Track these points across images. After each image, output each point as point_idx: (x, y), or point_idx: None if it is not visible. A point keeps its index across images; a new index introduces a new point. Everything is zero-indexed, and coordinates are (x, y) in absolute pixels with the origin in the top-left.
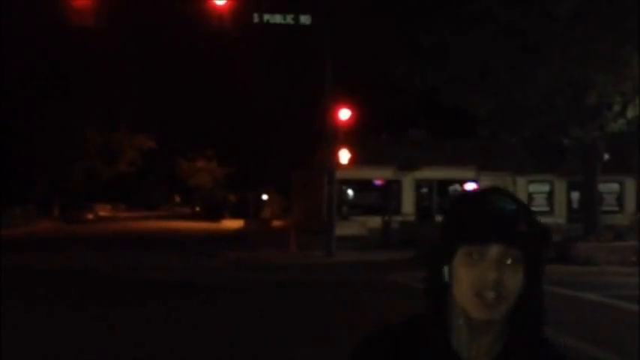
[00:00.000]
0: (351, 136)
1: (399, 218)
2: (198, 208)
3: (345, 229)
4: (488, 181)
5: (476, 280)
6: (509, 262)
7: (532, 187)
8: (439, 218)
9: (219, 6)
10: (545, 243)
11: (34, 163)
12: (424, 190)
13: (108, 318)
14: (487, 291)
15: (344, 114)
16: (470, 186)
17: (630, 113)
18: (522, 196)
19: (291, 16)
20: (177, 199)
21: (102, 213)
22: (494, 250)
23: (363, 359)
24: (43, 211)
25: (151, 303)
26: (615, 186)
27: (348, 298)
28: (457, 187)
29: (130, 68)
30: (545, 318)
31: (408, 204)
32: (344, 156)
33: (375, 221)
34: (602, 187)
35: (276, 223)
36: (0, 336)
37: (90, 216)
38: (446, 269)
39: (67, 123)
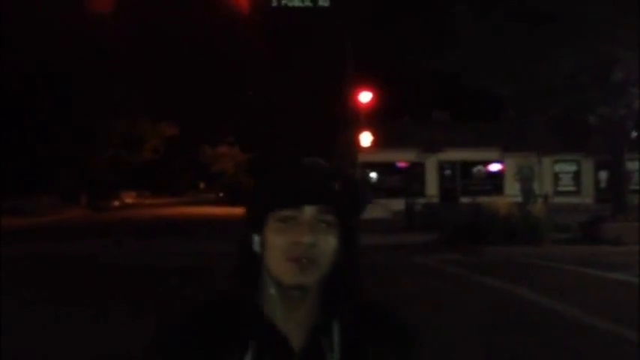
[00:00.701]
0: (373, 119)
1: (422, 200)
2: (222, 194)
3: (369, 212)
4: (512, 161)
5: (289, 245)
6: (322, 226)
7: (558, 167)
8: (464, 200)
9: None
10: (360, 204)
11: (60, 152)
12: (448, 171)
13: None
14: (301, 255)
15: (365, 97)
16: (494, 167)
17: None
18: (548, 176)
19: None
20: (202, 185)
21: (128, 200)
22: (307, 213)
23: (166, 350)
24: (71, 199)
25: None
26: None
27: (373, 281)
28: (481, 168)
29: (149, 56)
30: (362, 283)
31: (432, 186)
32: (366, 139)
33: (399, 204)
34: (630, 165)
35: None
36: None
37: (116, 203)
38: (256, 238)
39: (91, 112)
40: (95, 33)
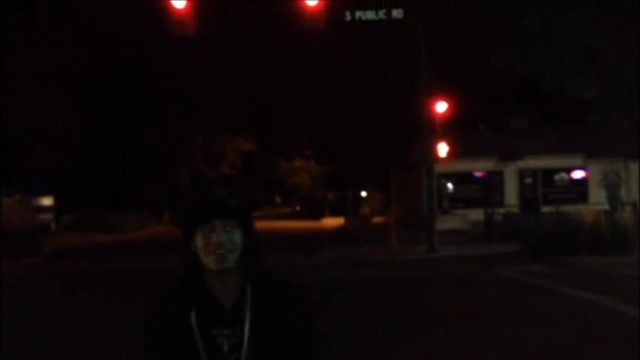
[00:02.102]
0: (449, 128)
1: (502, 210)
2: (298, 207)
3: (447, 223)
4: (597, 167)
5: (209, 245)
6: (228, 228)
7: None
8: (546, 209)
9: (312, 6)
10: (249, 212)
11: (146, 168)
12: (528, 180)
13: None
14: (218, 250)
15: (440, 106)
16: (578, 174)
17: None
18: (636, 183)
19: (383, 11)
20: (278, 199)
21: None
22: (217, 224)
23: (153, 317)
24: (155, 214)
25: None
26: None
27: (455, 293)
28: (564, 175)
29: (226, 72)
30: (262, 263)
31: (512, 195)
32: (442, 149)
33: (477, 214)
34: None
35: (376, 219)
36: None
37: None
38: (192, 243)
39: (174, 129)
40: (178, 51)
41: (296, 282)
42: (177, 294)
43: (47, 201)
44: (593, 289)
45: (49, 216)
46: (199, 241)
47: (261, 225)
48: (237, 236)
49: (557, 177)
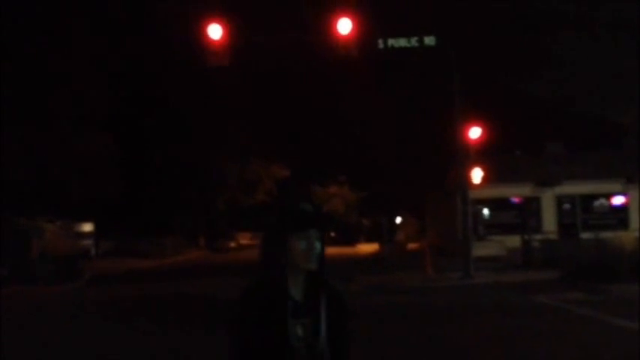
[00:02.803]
0: (484, 154)
1: (539, 236)
2: (333, 234)
3: (483, 249)
4: (637, 193)
5: (304, 248)
6: (316, 236)
7: None
8: (585, 235)
9: (344, 35)
10: (328, 225)
11: (183, 195)
12: (566, 206)
13: None
14: (310, 252)
15: (474, 132)
16: (618, 199)
17: None
18: None
19: (415, 38)
20: None
21: (243, 241)
22: (310, 232)
23: (244, 304)
24: (191, 241)
25: None
26: None
27: (491, 321)
28: (603, 201)
29: (261, 100)
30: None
31: (549, 221)
32: (477, 175)
33: (514, 240)
34: None
35: (412, 245)
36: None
37: (232, 244)
38: (284, 246)
39: (211, 157)
40: (213, 81)
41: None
42: (266, 287)
43: (87, 227)
44: (632, 318)
45: (89, 242)
46: (296, 245)
47: None
48: (319, 244)
49: (596, 203)
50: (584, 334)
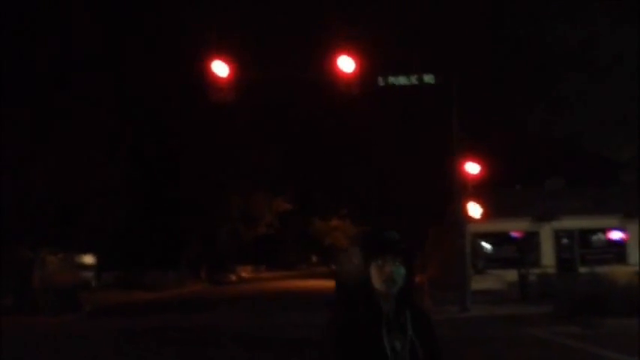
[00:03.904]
0: (483, 188)
1: (536, 271)
2: (334, 267)
3: (482, 283)
4: (635, 228)
5: (382, 274)
6: (397, 264)
7: None
8: (583, 270)
9: (347, 73)
10: (414, 254)
11: (185, 229)
12: (564, 240)
13: None
14: (388, 279)
15: (473, 168)
16: (616, 234)
17: None
18: None
19: (415, 76)
20: (314, 258)
21: (244, 274)
22: (388, 259)
23: (341, 339)
24: (193, 274)
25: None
26: None
27: (486, 353)
28: (601, 236)
29: (264, 134)
30: (412, 293)
31: (548, 256)
32: (474, 210)
33: (513, 275)
34: None
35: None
36: None
37: (233, 277)
38: (369, 271)
39: (214, 191)
40: (217, 116)
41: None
42: (360, 310)
43: (89, 259)
44: (624, 352)
45: (90, 274)
46: (373, 269)
47: (298, 284)
48: (401, 270)
49: (594, 237)
50: None
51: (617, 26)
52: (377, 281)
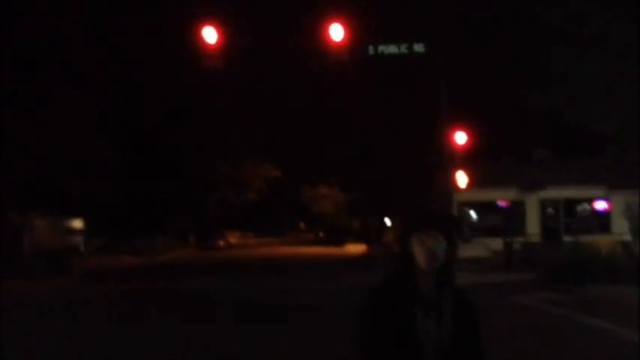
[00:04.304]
0: (471, 159)
1: (521, 239)
2: (321, 234)
3: (468, 251)
4: (620, 199)
5: (423, 249)
6: (439, 238)
7: None
8: (567, 239)
9: (336, 42)
10: (457, 229)
11: (174, 196)
12: (550, 210)
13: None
14: (429, 253)
15: (460, 138)
16: (600, 205)
17: None
18: None
19: (405, 45)
20: (302, 225)
21: (232, 240)
22: (431, 233)
23: (370, 304)
24: (182, 239)
25: (269, 322)
26: None
27: None
28: (586, 206)
29: (255, 104)
30: (454, 271)
31: (533, 225)
32: (461, 179)
33: (499, 243)
34: None
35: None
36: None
37: (221, 243)
38: (409, 247)
39: (203, 158)
40: (207, 84)
41: (317, 305)
42: (393, 287)
43: (77, 224)
44: (604, 317)
45: (79, 238)
46: (416, 244)
47: (285, 250)
48: (443, 245)
49: (579, 207)
50: (556, 331)
51: (604, 5)
52: (418, 256)
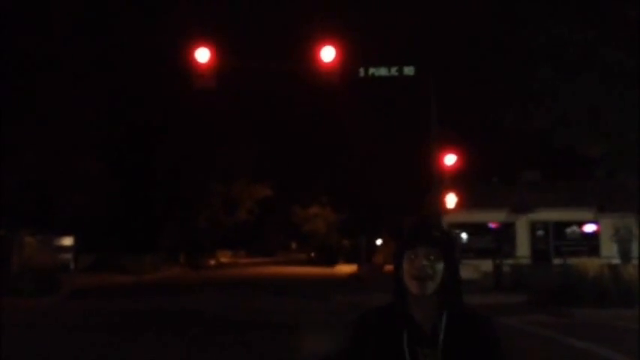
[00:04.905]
0: (460, 180)
1: (511, 261)
2: (313, 254)
3: None
4: (609, 222)
5: (413, 270)
6: (432, 257)
7: None
8: (557, 261)
9: (327, 64)
10: (453, 245)
11: (164, 213)
12: (540, 232)
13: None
14: (420, 275)
15: (449, 159)
16: (589, 227)
17: None
18: None
19: (395, 68)
20: (294, 245)
21: (223, 259)
22: (421, 251)
23: (360, 327)
24: (172, 258)
25: (260, 340)
26: None
27: None
28: (575, 228)
29: (245, 122)
30: (461, 293)
31: (523, 247)
32: (450, 200)
33: (488, 264)
34: None
35: (389, 267)
36: None
37: (212, 262)
38: (400, 270)
39: (194, 176)
40: (199, 103)
41: (311, 324)
42: (386, 312)
43: (67, 241)
44: (591, 340)
45: (68, 256)
46: (405, 266)
47: (276, 270)
48: (439, 265)
49: (568, 230)
50: (542, 353)
51: (585, 29)
52: (407, 279)
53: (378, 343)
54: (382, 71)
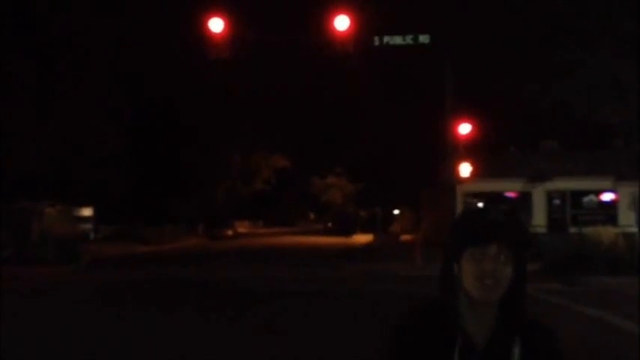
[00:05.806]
0: (476, 149)
1: None
2: (330, 224)
3: None
4: (627, 191)
5: (479, 271)
6: (502, 258)
7: None
8: (573, 230)
9: (341, 32)
10: (528, 245)
11: (184, 184)
12: (556, 201)
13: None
14: (487, 279)
15: (464, 128)
16: (607, 196)
17: None
18: None
19: (410, 36)
20: (311, 215)
21: (241, 229)
22: (492, 250)
23: (401, 334)
24: (190, 228)
25: (277, 307)
26: None
27: None
28: (592, 197)
29: (264, 94)
30: (526, 302)
31: (539, 216)
32: (465, 170)
33: None
34: None
35: (406, 237)
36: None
37: (230, 232)
38: (455, 266)
39: (215, 148)
40: (217, 75)
41: (325, 291)
42: (430, 317)
43: (87, 211)
44: (603, 307)
45: (88, 226)
46: (467, 264)
47: (293, 240)
48: (508, 269)
49: (585, 199)
50: (554, 320)
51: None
52: (468, 282)
53: (422, 350)
54: (397, 40)
